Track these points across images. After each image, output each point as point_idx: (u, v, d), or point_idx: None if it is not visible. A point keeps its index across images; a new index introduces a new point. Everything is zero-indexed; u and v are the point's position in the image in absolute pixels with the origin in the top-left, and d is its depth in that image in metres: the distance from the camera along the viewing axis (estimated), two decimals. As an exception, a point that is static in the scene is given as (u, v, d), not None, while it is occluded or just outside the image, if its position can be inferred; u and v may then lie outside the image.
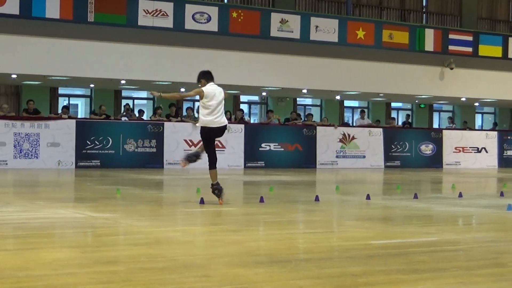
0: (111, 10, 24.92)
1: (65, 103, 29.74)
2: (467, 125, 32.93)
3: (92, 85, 28.86)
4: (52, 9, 23.78)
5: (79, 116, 28.02)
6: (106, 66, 24.88)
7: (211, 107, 11.48)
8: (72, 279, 5.33)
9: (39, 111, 23.88)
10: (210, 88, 11.55)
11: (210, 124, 11.49)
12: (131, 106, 28.23)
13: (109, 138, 23.53)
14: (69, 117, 23.72)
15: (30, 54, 23.72)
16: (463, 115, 36.97)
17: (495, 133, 30.99)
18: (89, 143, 23.20)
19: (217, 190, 11.39)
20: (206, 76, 11.77)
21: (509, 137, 31.16)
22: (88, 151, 23.19)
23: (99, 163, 23.26)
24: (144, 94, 32.46)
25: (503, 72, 32.38)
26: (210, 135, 11.61)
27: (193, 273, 5.65)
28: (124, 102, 29.65)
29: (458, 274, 5.71)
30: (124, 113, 26.17)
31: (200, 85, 11.69)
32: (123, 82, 26.70)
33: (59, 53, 24.07)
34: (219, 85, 11.81)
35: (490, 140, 30.45)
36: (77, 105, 32.27)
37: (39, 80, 26.62)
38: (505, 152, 30.80)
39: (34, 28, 23.57)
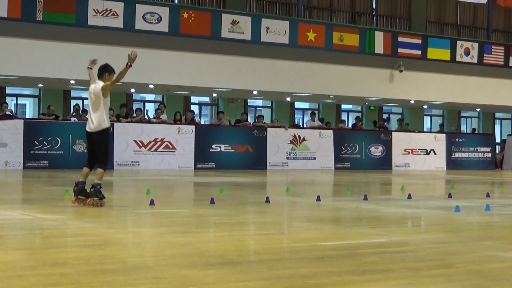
0: (60, 9, 24.68)
1: (13, 103, 29.35)
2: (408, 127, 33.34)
3: (40, 85, 28.52)
4: (0, 8, 23.47)
5: (27, 116, 27.67)
6: (54, 65, 24.62)
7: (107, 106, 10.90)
8: (20, 281, 5.25)
9: (-14, 111, 23.59)
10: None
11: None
12: (81, 107, 27.95)
13: (58, 139, 23.28)
14: (10, 115, 23.39)
15: (-23, 53, 23.44)
16: (412, 117, 37.37)
17: (443, 135, 31.38)
18: (37, 143, 22.93)
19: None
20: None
21: (457, 139, 31.59)
22: (36, 152, 22.92)
23: (47, 164, 23.01)
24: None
25: (451, 75, 32.83)
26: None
27: (143, 275, 5.61)
28: (73, 102, 29.37)
29: (407, 275, 5.76)
30: (74, 114, 25.93)
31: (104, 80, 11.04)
32: (72, 82, 26.44)
33: (6, 52, 23.77)
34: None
35: (439, 142, 30.83)
36: (25, 105, 31.87)
37: (-15, 80, 26.29)
38: (453, 154, 31.21)
39: (-18, 26, 23.30)
